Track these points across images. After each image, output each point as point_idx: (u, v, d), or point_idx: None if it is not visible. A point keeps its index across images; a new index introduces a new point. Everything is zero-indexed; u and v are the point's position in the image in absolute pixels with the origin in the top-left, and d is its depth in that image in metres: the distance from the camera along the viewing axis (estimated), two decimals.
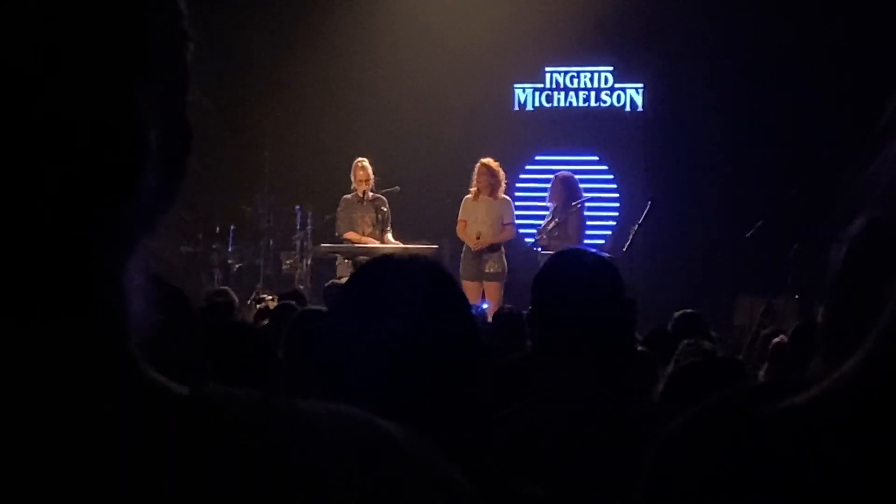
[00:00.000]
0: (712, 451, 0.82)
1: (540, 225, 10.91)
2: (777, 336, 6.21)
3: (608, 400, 2.46)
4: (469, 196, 10.77)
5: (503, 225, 10.66)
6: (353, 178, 10.86)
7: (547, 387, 2.57)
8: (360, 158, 10.95)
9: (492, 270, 10.57)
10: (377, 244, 10.53)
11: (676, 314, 6.51)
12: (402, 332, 1.74)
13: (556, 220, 10.53)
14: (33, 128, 0.61)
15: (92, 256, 0.64)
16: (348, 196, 10.87)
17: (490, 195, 10.63)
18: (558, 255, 2.88)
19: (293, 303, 6.50)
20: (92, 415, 0.64)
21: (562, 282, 2.61)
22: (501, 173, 10.74)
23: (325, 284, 8.48)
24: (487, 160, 10.73)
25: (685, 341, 5.30)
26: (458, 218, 10.77)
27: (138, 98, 0.65)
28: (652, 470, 0.87)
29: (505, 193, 10.84)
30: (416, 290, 1.81)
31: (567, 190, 10.69)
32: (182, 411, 0.66)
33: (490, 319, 7.94)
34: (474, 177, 10.71)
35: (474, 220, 10.64)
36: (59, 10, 0.61)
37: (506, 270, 10.62)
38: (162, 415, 0.66)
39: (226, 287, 9.01)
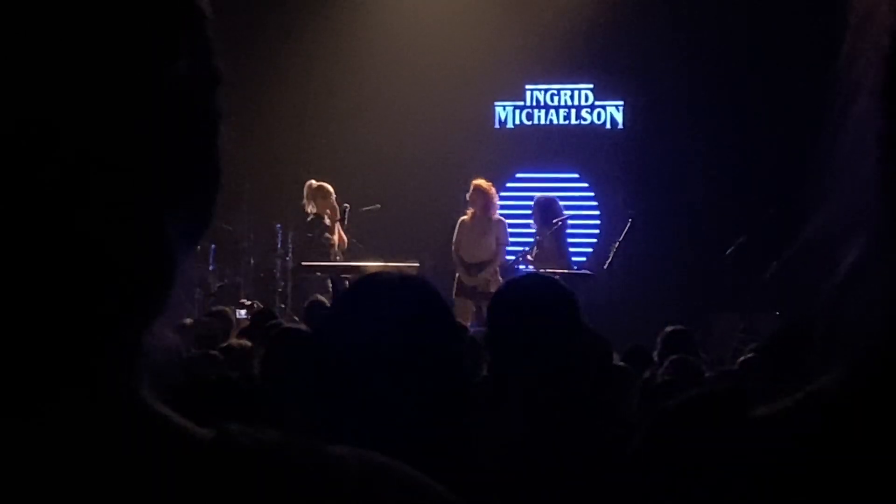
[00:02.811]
0: (703, 443, 0.83)
1: (522, 242, 11.03)
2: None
3: (562, 423, 2.46)
4: (465, 217, 10.87)
5: (498, 245, 10.73)
6: (319, 203, 10.90)
7: (501, 409, 2.57)
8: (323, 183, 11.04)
9: (488, 289, 10.60)
10: (357, 263, 10.54)
11: (668, 329, 6.52)
12: (393, 349, 1.74)
13: (536, 240, 10.67)
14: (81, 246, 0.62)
15: (121, 326, 0.65)
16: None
17: (484, 215, 10.70)
18: (512, 280, 2.90)
19: (281, 321, 6.49)
20: (115, 471, 0.63)
21: (514, 306, 2.62)
22: (493, 193, 10.85)
23: (307, 302, 8.41)
24: (479, 181, 10.84)
25: (672, 357, 5.32)
26: (454, 240, 10.84)
27: (165, 220, 0.65)
28: (641, 446, 0.87)
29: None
30: (405, 307, 1.81)
31: (541, 212, 10.84)
32: (205, 456, 0.66)
33: None
34: (468, 198, 10.82)
35: (468, 242, 10.73)
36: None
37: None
38: (186, 463, 0.65)
39: (224, 308, 8.89)
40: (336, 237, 10.99)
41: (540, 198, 11.14)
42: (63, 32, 0.61)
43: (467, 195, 10.85)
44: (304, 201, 11.09)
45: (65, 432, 0.63)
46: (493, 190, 10.92)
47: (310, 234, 11.28)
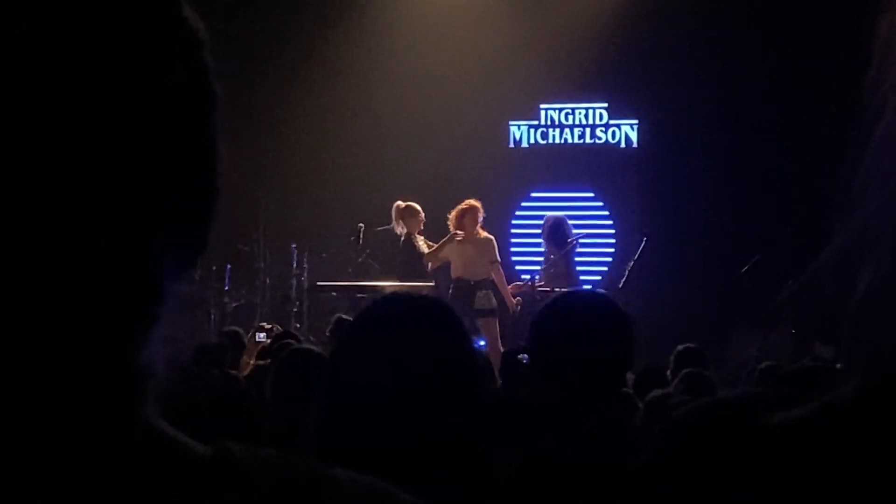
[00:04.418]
0: (716, 451, 0.82)
1: (538, 262, 11.07)
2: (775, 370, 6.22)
3: (607, 437, 2.46)
4: (458, 239, 10.64)
5: (490, 263, 10.61)
6: (409, 222, 10.85)
7: (547, 427, 2.56)
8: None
9: (482, 307, 10.52)
10: (372, 283, 10.53)
11: (680, 347, 6.54)
12: (408, 370, 1.74)
13: (548, 259, 10.71)
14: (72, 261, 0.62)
15: (112, 344, 0.65)
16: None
17: (476, 235, 10.57)
18: (559, 296, 2.88)
19: (294, 342, 6.49)
20: (113, 487, 0.64)
21: (559, 322, 2.60)
22: (473, 212, 10.67)
23: (334, 318, 8.33)
24: (471, 200, 10.69)
25: (686, 370, 5.33)
26: (453, 260, 10.64)
27: (154, 243, 0.66)
28: (652, 456, 0.87)
29: (487, 231, 10.79)
30: (422, 327, 1.81)
31: (551, 232, 10.87)
32: (204, 474, 0.66)
33: (490, 355, 7.94)
34: (463, 220, 10.63)
35: (465, 262, 10.54)
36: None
37: (496, 306, 10.57)
38: (184, 479, 0.66)
39: (236, 328, 8.88)
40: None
41: (550, 217, 11.14)
42: (60, 55, 0.62)
43: (459, 217, 10.62)
44: (394, 223, 10.97)
45: (64, 449, 0.63)
46: (475, 207, 10.70)
47: (401, 256, 11.08)
